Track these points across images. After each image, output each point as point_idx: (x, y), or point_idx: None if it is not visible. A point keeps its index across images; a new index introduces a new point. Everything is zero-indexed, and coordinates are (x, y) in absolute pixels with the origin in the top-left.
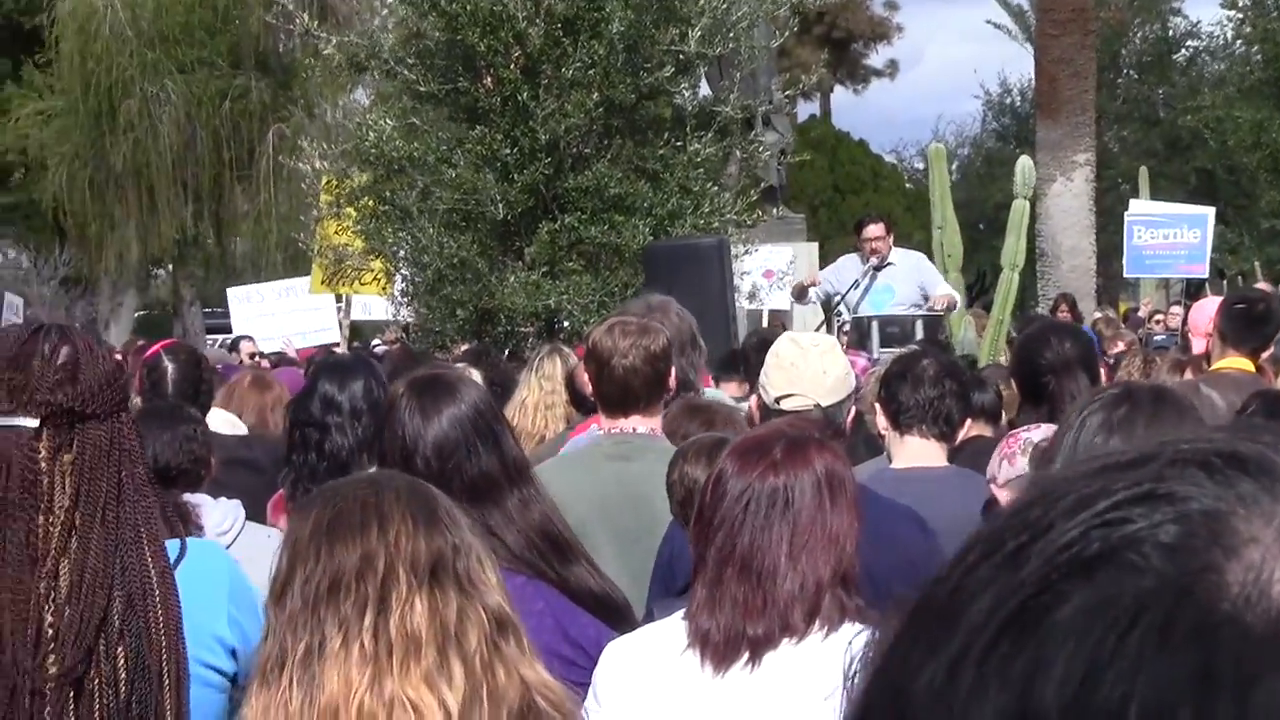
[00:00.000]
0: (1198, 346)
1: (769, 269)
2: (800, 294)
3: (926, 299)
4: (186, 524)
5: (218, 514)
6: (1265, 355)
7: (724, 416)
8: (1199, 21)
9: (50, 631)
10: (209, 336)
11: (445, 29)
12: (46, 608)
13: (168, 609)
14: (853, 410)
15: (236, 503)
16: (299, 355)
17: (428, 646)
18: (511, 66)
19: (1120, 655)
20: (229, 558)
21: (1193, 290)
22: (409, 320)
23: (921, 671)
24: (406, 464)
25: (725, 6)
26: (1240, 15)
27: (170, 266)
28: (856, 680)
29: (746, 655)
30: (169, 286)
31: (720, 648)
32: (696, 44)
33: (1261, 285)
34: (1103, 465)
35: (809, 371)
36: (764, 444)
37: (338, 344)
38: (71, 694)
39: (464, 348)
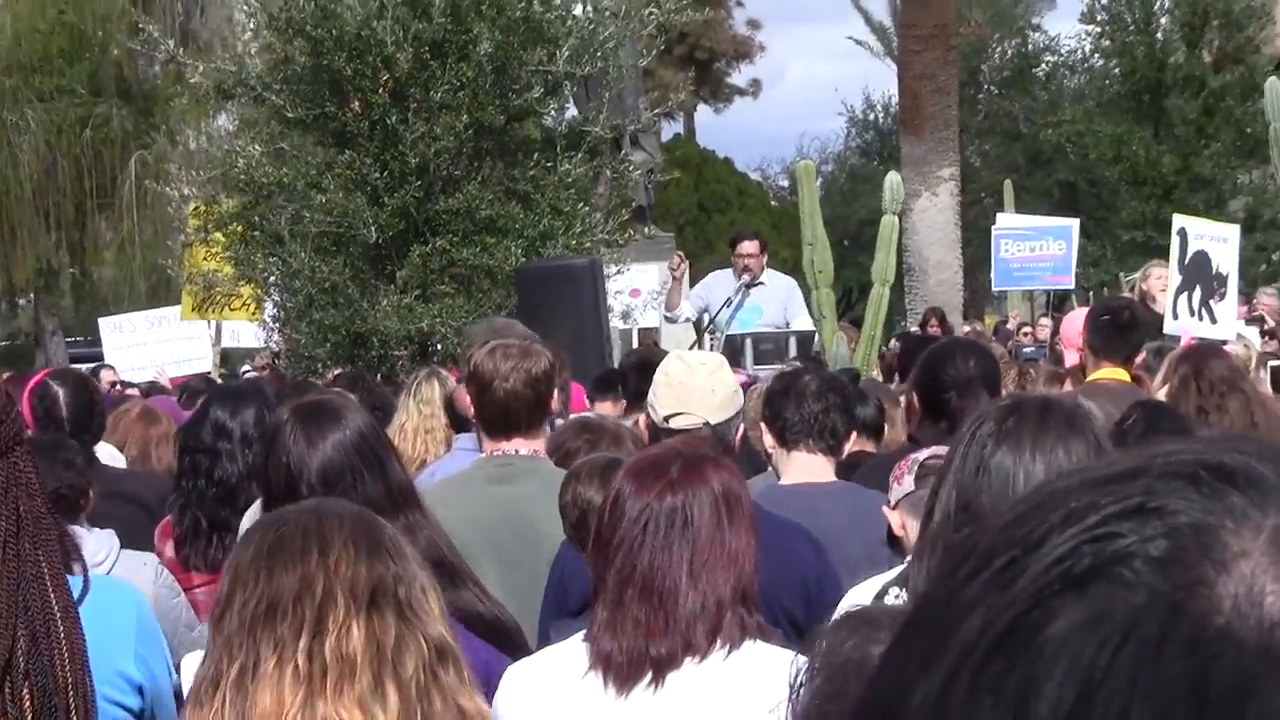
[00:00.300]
0: (1071, 359)
1: (635, 288)
2: (672, 309)
3: (786, 327)
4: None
5: (93, 544)
6: (1138, 362)
7: (612, 434)
8: (1057, 36)
9: None
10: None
11: (311, 54)
12: None
13: (72, 645)
14: (741, 428)
15: (110, 532)
16: (171, 384)
17: (363, 670)
18: (380, 91)
19: (1114, 671)
20: (139, 596)
21: (1058, 302)
22: (279, 346)
23: (915, 689)
24: (291, 491)
25: (592, 27)
26: (1098, 30)
27: (32, 296)
28: (801, 695)
29: (650, 675)
30: (30, 316)
31: (623, 669)
32: (565, 64)
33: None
34: (1092, 478)
35: (698, 390)
36: (660, 464)
37: (209, 372)
38: None
39: (335, 373)
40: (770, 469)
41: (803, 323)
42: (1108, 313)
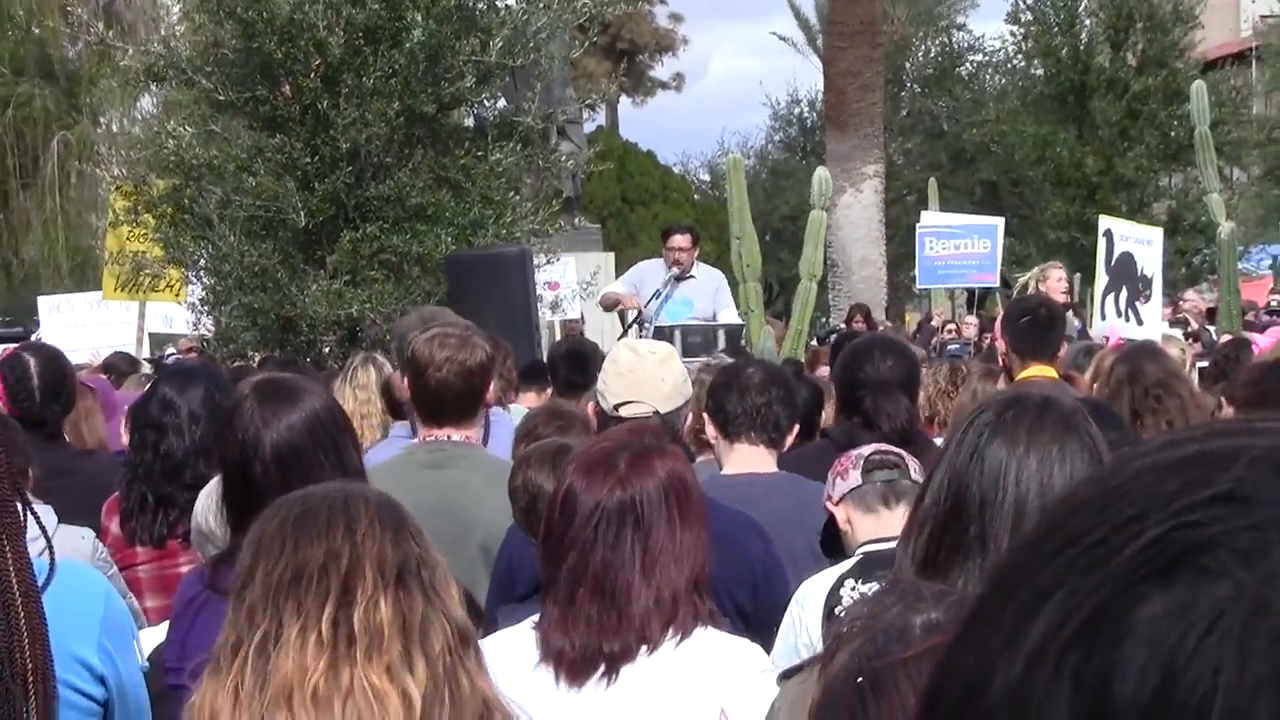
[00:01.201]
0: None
1: (554, 280)
2: (612, 305)
3: (715, 318)
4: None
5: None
6: (1063, 359)
7: (583, 422)
8: (982, 36)
9: None
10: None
11: (242, 37)
12: None
13: (33, 629)
14: (689, 416)
15: (48, 508)
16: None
17: (391, 641)
18: (311, 75)
19: (1197, 662)
20: (106, 586)
21: (979, 300)
22: (208, 331)
23: (997, 668)
24: (245, 469)
25: (525, 17)
26: (1023, 31)
27: None
28: (837, 656)
29: (602, 669)
30: None
31: (575, 665)
32: (498, 54)
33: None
34: (1182, 458)
35: (647, 378)
36: (609, 457)
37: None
38: None
39: (260, 356)
40: (703, 460)
41: (729, 316)
42: (1026, 314)
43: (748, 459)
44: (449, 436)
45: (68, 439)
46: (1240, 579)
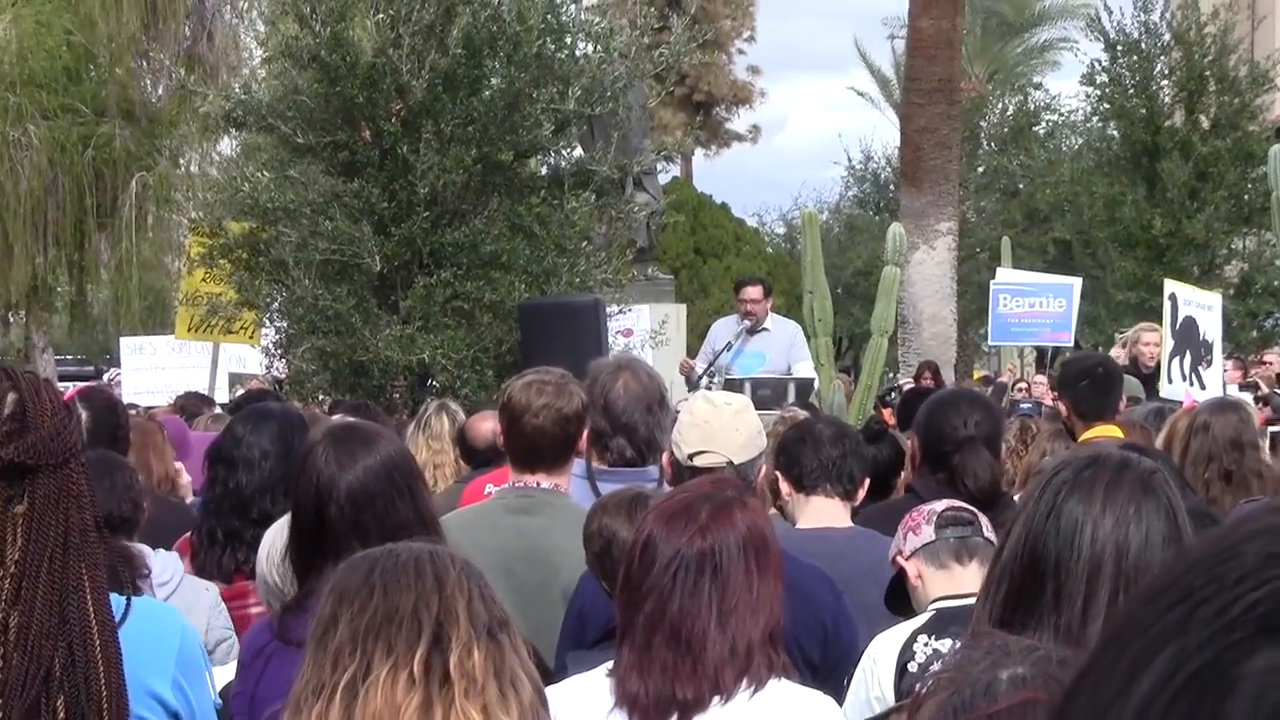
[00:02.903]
0: None
1: (628, 328)
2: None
3: (789, 374)
4: (133, 569)
5: (158, 565)
6: (1134, 419)
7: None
8: (1058, 95)
9: None
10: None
11: (323, 81)
12: None
13: (108, 659)
14: (762, 469)
15: (175, 555)
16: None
17: (487, 684)
18: (392, 120)
19: None
20: (184, 625)
21: (1050, 359)
22: (282, 373)
23: (1108, 715)
24: (320, 511)
25: (603, 66)
26: (1098, 92)
27: (24, 312)
28: (923, 708)
29: (675, 717)
30: (21, 332)
31: (649, 710)
32: (576, 103)
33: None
34: None
35: (722, 429)
36: (689, 507)
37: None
38: None
39: (332, 401)
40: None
41: (805, 369)
42: (1084, 375)
43: (822, 513)
44: (539, 484)
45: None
46: None
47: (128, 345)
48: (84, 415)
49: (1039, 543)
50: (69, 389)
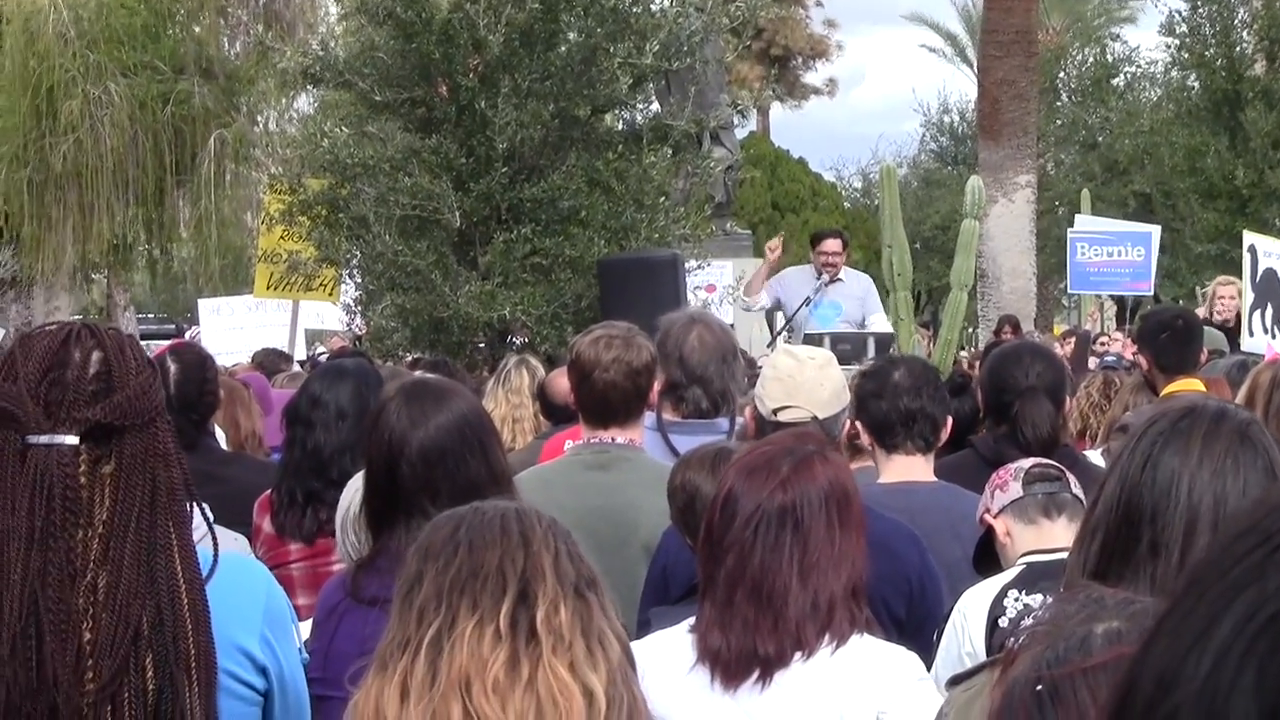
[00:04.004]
0: None
1: (710, 284)
2: (753, 290)
3: (863, 326)
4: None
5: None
6: (1205, 364)
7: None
8: (1138, 46)
9: (88, 647)
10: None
11: (400, 38)
12: (85, 622)
13: (196, 617)
14: (846, 423)
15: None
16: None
17: (575, 641)
18: (469, 75)
19: None
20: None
21: (1131, 311)
22: (361, 330)
23: (1187, 661)
24: (391, 469)
25: (680, 20)
26: (1178, 41)
27: (106, 271)
28: (1017, 662)
29: (757, 673)
30: (102, 291)
31: (731, 666)
32: (653, 57)
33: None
34: None
35: (806, 384)
36: (771, 461)
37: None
38: (109, 709)
39: (412, 357)
40: (857, 468)
41: (878, 322)
42: (1164, 328)
43: (905, 467)
44: (613, 439)
45: (217, 441)
46: None
47: (206, 307)
48: (173, 369)
49: (1135, 494)
50: (152, 348)
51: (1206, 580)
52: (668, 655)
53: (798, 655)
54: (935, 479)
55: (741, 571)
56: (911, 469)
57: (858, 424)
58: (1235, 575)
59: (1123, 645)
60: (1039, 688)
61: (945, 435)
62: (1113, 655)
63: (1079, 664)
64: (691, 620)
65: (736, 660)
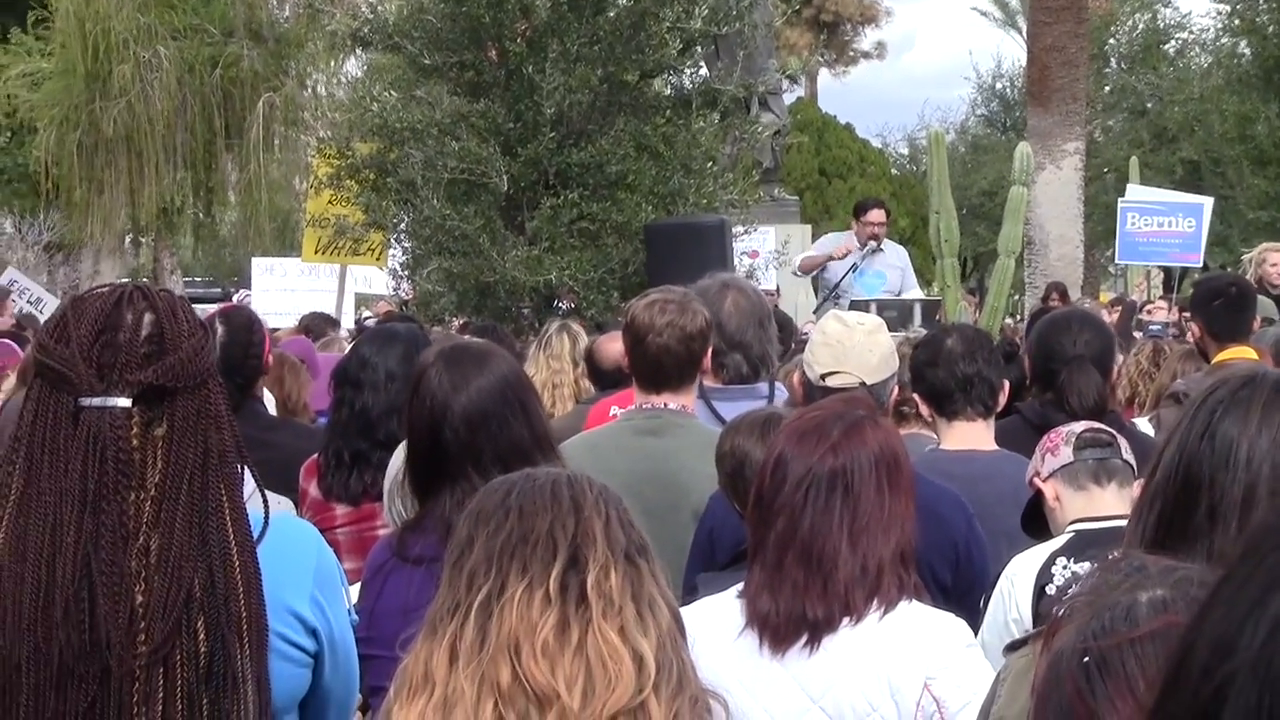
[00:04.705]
0: None
1: (754, 249)
2: (812, 269)
3: (900, 294)
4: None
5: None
6: (1257, 332)
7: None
8: (1189, 13)
9: (141, 610)
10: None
11: (450, 1)
12: (138, 586)
13: (248, 580)
14: (895, 390)
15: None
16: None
17: (625, 605)
18: (518, 40)
19: None
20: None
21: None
22: (407, 295)
23: (1244, 630)
24: (434, 433)
25: None
26: (1229, 7)
27: (153, 234)
28: (1062, 632)
29: (806, 637)
30: (150, 254)
31: (780, 630)
32: (702, 21)
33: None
34: None
35: (855, 349)
36: (821, 425)
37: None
38: (161, 671)
39: (460, 322)
40: (906, 434)
41: (915, 295)
42: (1218, 295)
43: (966, 434)
44: (666, 404)
45: (265, 406)
46: None
47: (259, 266)
48: (220, 332)
49: (1193, 463)
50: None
51: (1263, 549)
52: (717, 620)
53: (846, 620)
54: (997, 447)
55: (791, 535)
56: (973, 435)
57: (915, 395)
58: None
59: (1169, 614)
60: (1086, 659)
61: (1003, 399)
62: (1160, 624)
63: (1126, 634)
64: (739, 586)
65: (785, 624)
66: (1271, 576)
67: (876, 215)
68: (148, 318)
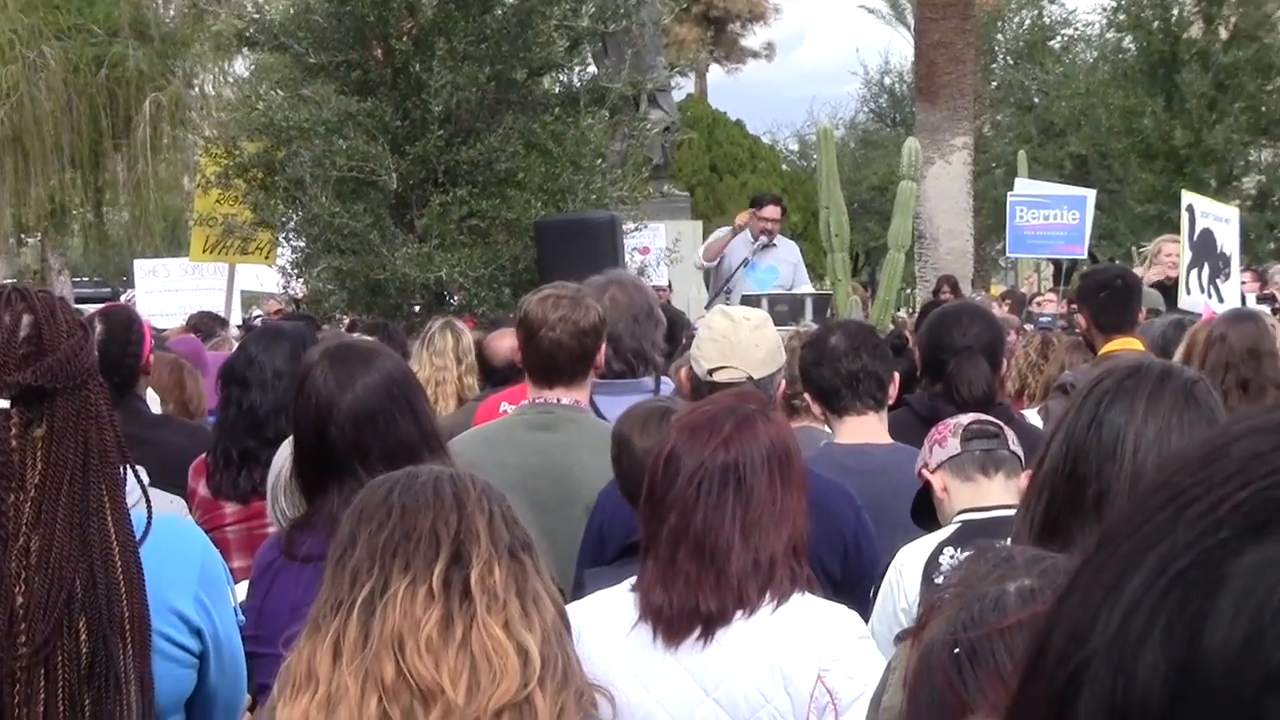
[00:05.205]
0: None
1: (645, 245)
2: (716, 255)
3: (792, 289)
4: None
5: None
6: (1143, 323)
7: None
8: (1075, 9)
9: (21, 611)
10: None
11: (335, 0)
12: (18, 586)
13: (130, 580)
14: (782, 384)
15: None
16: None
17: (509, 601)
18: (403, 38)
19: None
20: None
21: (1067, 273)
22: (299, 292)
23: (1098, 616)
24: (320, 431)
25: None
26: (1114, 3)
27: (40, 235)
28: (931, 625)
29: (699, 630)
30: (37, 255)
31: (673, 623)
32: (589, 19)
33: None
34: (1277, 424)
35: (741, 345)
36: (713, 420)
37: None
38: (42, 672)
39: (349, 319)
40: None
41: (804, 289)
42: (1104, 287)
43: (859, 428)
44: (559, 399)
45: (147, 404)
46: None
47: (141, 268)
48: (99, 330)
49: (1081, 452)
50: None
51: (1119, 536)
52: (609, 614)
53: (739, 613)
54: (891, 440)
55: (684, 529)
56: (865, 429)
57: (806, 395)
58: (1146, 531)
59: (1036, 604)
60: (956, 650)
61: (894, 391)
62: (1028, 614)
63: (995, 624)
64: (633, 580)
65: (679, 617)
66: (1125, 564)
67: (772, 211)
68: (26, 319)
